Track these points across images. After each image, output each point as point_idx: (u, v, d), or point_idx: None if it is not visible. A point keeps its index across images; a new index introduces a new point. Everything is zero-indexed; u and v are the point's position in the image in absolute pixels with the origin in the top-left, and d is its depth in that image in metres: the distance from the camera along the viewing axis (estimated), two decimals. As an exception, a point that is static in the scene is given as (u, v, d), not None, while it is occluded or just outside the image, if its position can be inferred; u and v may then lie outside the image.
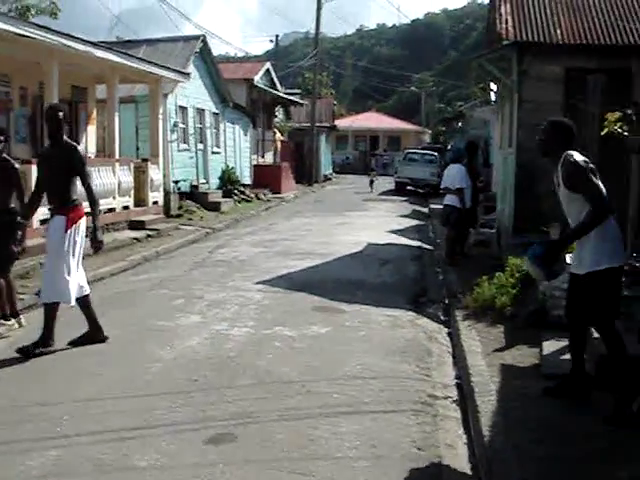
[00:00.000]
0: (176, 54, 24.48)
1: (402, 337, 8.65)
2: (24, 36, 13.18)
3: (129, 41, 26.46)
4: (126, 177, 18.18)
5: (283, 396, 6.37)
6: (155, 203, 20.09)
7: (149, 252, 14.98)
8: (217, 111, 28.28)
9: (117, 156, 18.15)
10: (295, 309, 9.95)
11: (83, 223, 7.81)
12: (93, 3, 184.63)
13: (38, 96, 17.77)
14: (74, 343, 7.82)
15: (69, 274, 7.63)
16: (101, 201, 16.63)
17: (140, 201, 19.18)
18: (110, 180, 17.20)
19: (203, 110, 26.77)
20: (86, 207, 7.83)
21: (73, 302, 7.78)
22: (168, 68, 20.51)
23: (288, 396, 6.37)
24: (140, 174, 19.22)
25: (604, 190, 5.64)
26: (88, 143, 20.82)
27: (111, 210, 17.42)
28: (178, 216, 20.98)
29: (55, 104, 9.76)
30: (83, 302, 7.93)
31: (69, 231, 7.61)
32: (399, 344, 8.30)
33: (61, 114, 7.79)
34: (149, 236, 17.00)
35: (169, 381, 6.76)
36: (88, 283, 8.33)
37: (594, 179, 5.64)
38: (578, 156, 5.78)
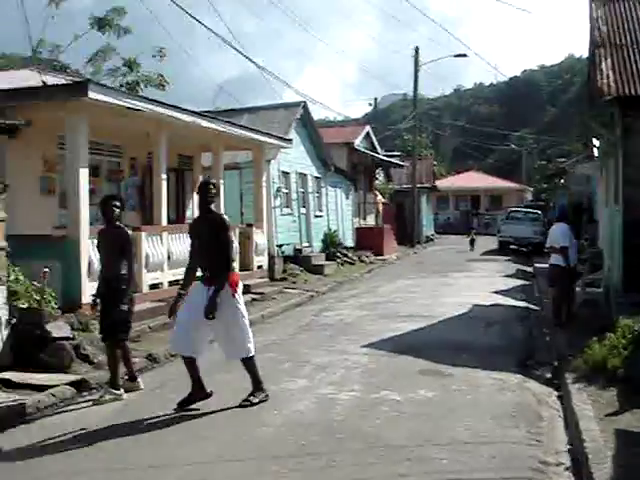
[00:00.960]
0: (278, 121, 25.06)
1: (511, 401, 8.49)
2: (135, 109, 13.75)
3: (232, 110, 27.26)
4: (231, 242, 18.53)
5: (392, 462, 6.33)
6: (260, 267, 20.42)
7: (254, 316, 15.13)
8: (319, 175, 28.71)
9: (222, 222, 18.52)
10: (401, 373, 9.91)
11: (240, 285, 8.23)
12: (197, 74, 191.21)
13: (147, 165, 18.44)
14: (182, 404, 8.02)
15: (247, 330, 8.23)
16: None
17: (245, 265, 19.53)
18: (216, 246, 17.56)
19: (305, 175, 27.22)
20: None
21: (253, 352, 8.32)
22: (270, 135, 20.99)
23: (397, 462, 6.33)
24: (245, 239, 19.62)
25: None
26: (194, 209, 21.39)
27: (217, 275, 17.75)
28: (282, 279, 21.26)
29: (208, 179, 10.17)
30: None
31: (236, 295, 8.09)
32: (508, 408, 8.15)
33: (213, 188, 8.23)
34: (254, 300, 17.21)
35: (278, 445, 6.81)
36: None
37: None
38: None
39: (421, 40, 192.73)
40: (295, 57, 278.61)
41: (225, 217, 8.39)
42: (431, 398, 8.55)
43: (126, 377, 8.90)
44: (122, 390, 8.62)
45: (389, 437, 7.01)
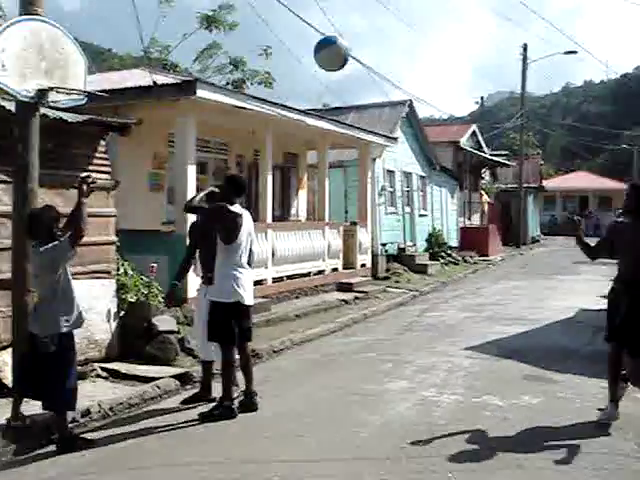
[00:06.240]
0: (383, 119, 25.03)
1: (620, 412, 8.19)
2: (241, 107, 13.91)
3: (338, 108, 27.41)
4: (335, 240, 18.64)
5: (494, 469, 6.22)
6: (363, 265, 20.42)
7: (357, 314, 15.20)
8: (424, 174, 28.54)
9: (327, 220, 18.66)
10: (505, 377, 9.72)
11: None
12: (302, 72, 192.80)
13: (253, 163, 18.68)
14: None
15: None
16: (311, 263, 17.21)
17: (348, 263, 19.58)
18: (320, 243, 17.70)
19: (410, 173, 27.08)
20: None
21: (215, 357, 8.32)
22: (376, 133, 20.95)
23: (499, 469, 6.21)
24: (349, 237, 19.65)
25: None
26: (299, 207, 21.58)
27: (320, 272, 17.91)
28: (385, 278, 21.22)
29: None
30: None
31: None
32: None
33: None
34: (357, 298, 17.25)
35: (377, 447, 6.77)
36: (296, 345, 9.56)
37: None
38: None
39: (531, 38, 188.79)
40: (406, 57, 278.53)
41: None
42: (535, 405, 8.34)
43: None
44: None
45: (492, 443, 6.86)
